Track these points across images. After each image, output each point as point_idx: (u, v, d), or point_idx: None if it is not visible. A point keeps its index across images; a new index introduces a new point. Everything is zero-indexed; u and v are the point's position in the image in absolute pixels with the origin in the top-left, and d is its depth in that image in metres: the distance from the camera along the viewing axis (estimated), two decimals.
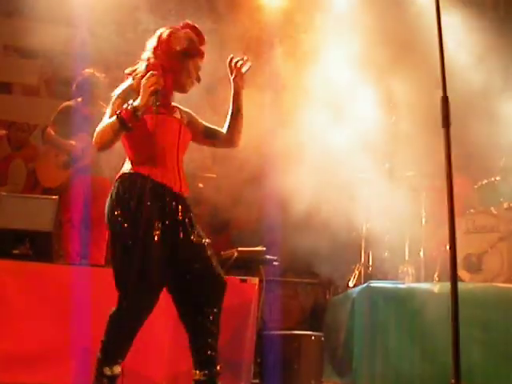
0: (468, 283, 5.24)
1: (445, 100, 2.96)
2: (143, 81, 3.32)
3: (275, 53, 6.88)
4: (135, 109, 3.27)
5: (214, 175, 6.77)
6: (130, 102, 3.31)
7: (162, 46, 3.52)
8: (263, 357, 5.08)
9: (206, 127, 3.82)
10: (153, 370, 4.67)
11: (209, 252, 3.54)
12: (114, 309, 3.37)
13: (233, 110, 3.78)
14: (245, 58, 3.75)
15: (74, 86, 6.18)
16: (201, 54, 3.60)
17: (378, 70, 6.87)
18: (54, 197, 5.32)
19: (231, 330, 4.85)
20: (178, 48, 3.51)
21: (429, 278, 5.79)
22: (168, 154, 3.50)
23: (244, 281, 5.12)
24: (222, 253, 5.59)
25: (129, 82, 3.53)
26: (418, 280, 5.73)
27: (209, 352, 3.47)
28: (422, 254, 5.99)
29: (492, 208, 5.71)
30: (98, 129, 3.41)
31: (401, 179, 6.52)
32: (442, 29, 3.01)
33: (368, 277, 6.40)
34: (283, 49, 6.89)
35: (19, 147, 7.44)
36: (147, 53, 3.56)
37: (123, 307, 3.35)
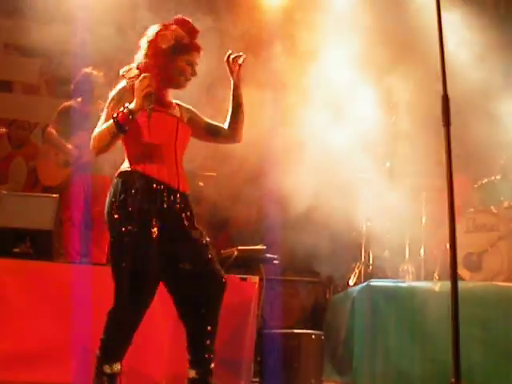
0: (468, 282, 5.24)
1: (445, 99, 2.96)
2: (136, 84, 3.35)
3: (275, 52, 6.88)
4: (131, 112, 3.31)
5: (214, 174, 6.77)
6: (126, 105, 3.34)
7: (150, 46, 3.53)
8: (263, 355, 5.08)
9: (208, 124, 3.83)
10: (152, 369, 4.68)
11: (209, 251, 3.54)
12: (111, 306, 3.39)
13: (233, 105, 3.79)
14: (240, 53, 3.75)
15: (73, 85, 6.18)
16: (193, 49, 3.57)
17: (377, 69, 6.87)
18: (54, 195, 5.33)
19: (231, 329, 4.85)
20: (164, 46, 3.50)
21: (429, 277, 5.79)
22: (165, 151, 3.50)
23: (244, 279, 5.13)
24: (222, 251, 5.59)
25: (123, 83, 3.56)
26: (418, 279, 5.74)
27: (204, 352, 3.48)
28: (422, 252, 6.00)
29: (492, 207, 5.72)
30: (95, 133, 3.45)
31: (401, 178, 6.52)
32: (443, 28, 3.01)
33: (368, 275, 6.40)
34: (283, 48, 6.88)
35: (20, 145, 7.44)
36: (139, 53, 3.58)
37: (120, 305, 3.36)
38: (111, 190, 3.49)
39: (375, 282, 5.37)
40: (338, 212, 6.34)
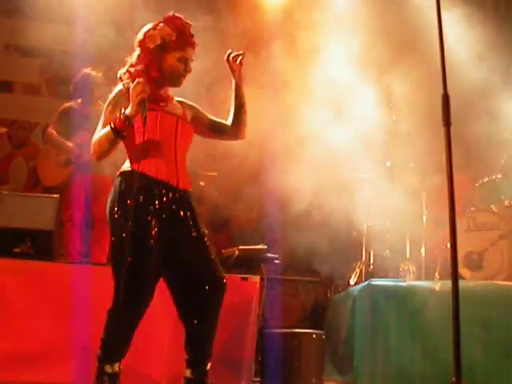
0: (469, 281, 5.24)
1: (445, 98, 2.96)
2: (131, 90, 3.38)
3: (275, 51, 6.88)
4: (127, 118, 3.35)
5: (215, 173, 6.77)
6: (123, 110, 3.37)
7: (140, 47, 3.57)
8: (264, 355, 5.08)
9: (212, 121, 3.84)
10: (152, 369, 4.68)
11: (209, 251, 3.54)
12: (111, 306, 3.40)
13: (236, 105, 3.80)
14: (241, 52, 3.76)
15: (72, 86, 6.18)
16: (183, 45, 3.56)
17: (378, 68, 6.87)
18: (54, 195, 5.33)
19: (232, 328, 4.85)
20: (151, 46, 3.53)
21: (430, 276, 5.79)
22: (164, 149, 3.51)
23: (245, 279, 5.13)
24: (223, 251, 5.60)
25: (119, 86, 3.59)
26: (418, 278, 5.74)
27: (202, 353, 3.51)
28: (422, 252, 6.00)
29: (493, 206, 5.72)
30: (94, 139, 3.49)
31: (401, 178, 6.52)
32: (443, 27, 3.01)
33: (369, 275, 6.40)
34: (283, 47, 6.89)
35: (20, 145, 7.45)
36: (132, 55, 3.61)
37: (118, 304, 3.37)
38: (112, 189, 3.53)
39: (376, 282, 5.37)
40: (339, 211, 6.34)
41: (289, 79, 6.61)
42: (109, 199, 3.50)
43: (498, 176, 6.02)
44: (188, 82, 3.73)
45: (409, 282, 5.51)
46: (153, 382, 4.66)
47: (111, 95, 3.59)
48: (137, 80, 3.40)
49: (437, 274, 5.74)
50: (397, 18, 6.66)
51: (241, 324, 4.99)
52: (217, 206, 7.17)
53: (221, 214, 7.46)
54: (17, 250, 4.90)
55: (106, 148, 3.45)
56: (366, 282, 5.48)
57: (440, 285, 4.93)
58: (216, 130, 3.85)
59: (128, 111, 3.35)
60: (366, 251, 6.68)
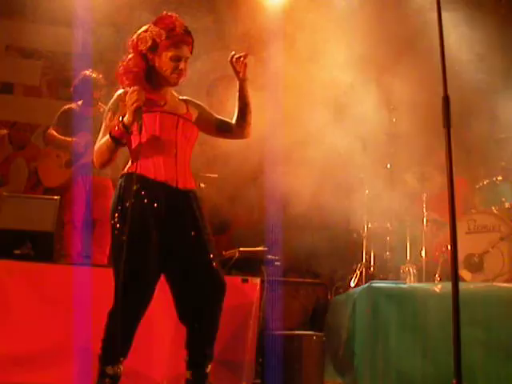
0: (469, 283, 5.23)
1: (446, 100, 2.96)
2: (127, 97, 3.43)
3: (275, 52, 6.88)
4: (124, 126, 3.39)
5: (216, 175, 6.77)
6: (120, 118, 3.41)
7: (133, 50, 3.59)
8: (265, 357, 5.08)
9: (218, 120, 3.87)
10: (154, 370, 4.68)
11: (209, 252, 3.54)
12: (112, 307, 3.40)
13: (240, 104, 3.81)
14: (244, 53, 3.76)
15: (72, 88, 6.18)
16: (174, 44, 3.55)
17: (378, 69, 6.87)
18: (55, 197, 5.34)
19: (233, 330, 4.85)
20: (143, 48, 3.55)
21: (430, 278, 5.78)
22: (165, 150, 3.53)
23: (245, 281, 5.12)
24: (224, 253, 5.60)
25: (119, 92, 3.62)
26: (419, 280, 5.73)
27: (202, 355, 3.52)
28: (423, 253, 5.99)
29: (493, 208, 5.72)
30: (96, 148, 3.54)
31: (402, 180, 6.52)
32: (443, 27, 3.01)
33: (369, 277, 6.40)
34: (283, 48, 6.88)
35: (21, 147, 7.45)
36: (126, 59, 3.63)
37: (118, 305, 3.37)
38: (115, 191, 3.57)
39: (376, 284, 5.36)
40: (339, 213, 6.35)
41: (289, 81, 6.61)
42: (112, 201, 3.53)
43: (499, 178, 6.02)
44: (188, 82, 3.74)
45: (409, 283, 5.51)
46: (154, 382, 4.66)
47: (111, 101, 3.63)
48: (132, 88, 3.44)
49: (437, 275, 5.73)
50: (398, 18, 6.66)
51: (241, 326, 4.99)
52: (217, 208, 7.16)
53: (221, 215, 7.46)
54: (17, 251, 4.91)
55: (108, 156, 3.50)
56: (367, 284, 5.48)
57: (440, 287, 4.92)
58: (221, 130, 3.87)
59: (125, 119, 3.39)
60: (366, 253, 6.68)
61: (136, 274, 3.35)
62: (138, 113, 3.37)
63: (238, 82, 3.79)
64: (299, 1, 7.38)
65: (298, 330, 5.69)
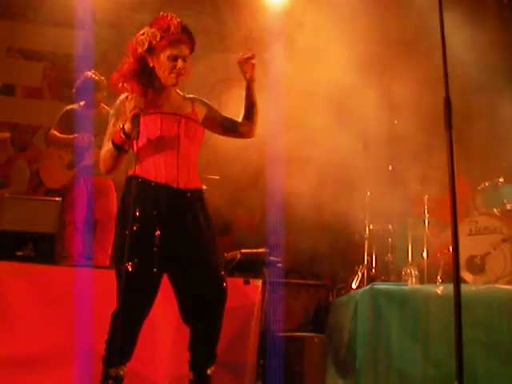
0: (471, 285, 5.23)
1: (447, 102, 2.95)
2: (126, 105, 3.48)
3: (277, 53, 6.88)
4: (125, 134, 3.42)
5: (217, 177, 6.77)
6: (121, 125, 3.45)
7: (132, 54, 3.60)
8: (266, 358, 5.08)
9: (225, 119, 3.88)
10: (155, 371, 4.67)
11: (210, 253, 3.54)
12: (115, 308, 3.42)
13: (247, 104, 3.83)
14: (252, 54, 3.77)
15: (75, 89, 6.18)
16: (170, 43, 3.55)
17: (380, 70, 6.86)
18: (57, 198, 5.34)
19: (235, 332, 4.85)
20: (141, 51, 3.57)
21: (432, 280, 5.78)
22: (166, 151, 3.54)
23: (247, 282, 5.12)
24: (226, 254, 5.59)
25: (122, 96, 3.65)
26: (421, 282, 5.72)
27: (204, 356, 3.53)
28: (425, 255, 5.99)
29: (495, 210, 5.71)
30: (101, 154, 3.59)
31: (404, 181, 6.51)
32: (445, 28, 3.00)
33: (371, 278, 6.40)
34: (285, 49, 6.89)
35: (23, 148, 7.46)
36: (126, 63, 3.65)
37: (121, 306, 3.38)
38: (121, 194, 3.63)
39: (378, 285, 5.36)
40: (341, 215, 6.34)
41: (290, 82, 6.61)
42: (113, 202, 3.59)
43: (501, 179, 6.01)
44: (189, 84, 3.74)
45: (411, 285, 5.50)
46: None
47: (114, 106, 3.66)
48: (130, 95, 3.49)
49: (439, 277, 5.72)
50: (399, 20, 6.66)
51: (243, 327, 4.99)
52: (219, 210, 7.16)
53: (223, 217, 7.46)
54: (19, 253, 4.90)
55: (112, 163, 3.56)
56: (369, 286, 5.47)
57: (442, 289, 4.92)
58: (228, 129, 3.89)
59: (126, 127, 3.42)
60: (368, 255, 6.67)
61: (138, 276, 3.36)
62: (135, 120, 3.40)
63: (245, 82, 3.81)
64: (300, 2, 7.38)
65: (299, 332, 5.70)
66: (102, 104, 6.01)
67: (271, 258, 5.56)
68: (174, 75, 3.58)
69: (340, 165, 6.35)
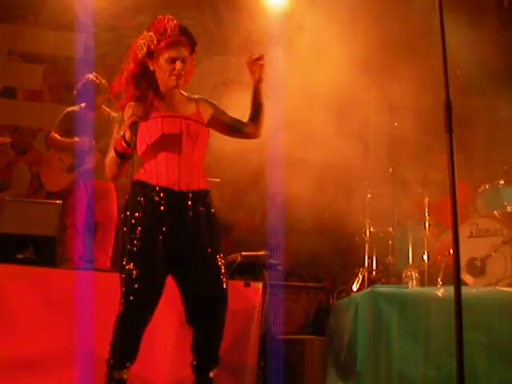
0: (471, 287, 5.23)
1: (447, 105, 2.95)
2: (124, 113, 3.48)
3: (277, 55, 6.89)
4: (126, 142, 3.43)
5: (218, 179, 6.78)
6: (122, 133, 3.47)
7: (132, 59, 3.61)
8: (267, 361, 5.08)
9: (231, 120, 3.87)
10: (156, 373, 4.67)
11: (212, 255, 3.54)
12: (119, 311, 3.42)
13: (254, 105, 3.83)
14: (262, 54, 3.78)
15: (75, 92, 6.18)
16: (167, 46, 3.55)
17: (381, 72, 6.87)
18: (58, 201, 5.34)
19: (235, 334, 4.84)
20: (140, 55, 3.58)
21: (433, 282, 5.78)
22: (168, 154, 3.55)
23: (248, 285, 5.12)
24: (226, 257, 5.59)
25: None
26: (421, 284, 5.72)
27: (206, 359, 3.53)
28: (425, 258, 5.99)
29: (495, 212, 5.71)
30: (106, 161, 3.62)
31: (404, 183, 6.52)
32: (445, 30, 3.00)
33: (372, 281, 6.40)
34: (285, 51, 6.89)
35: (23, 151, 7.46)
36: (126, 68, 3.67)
37: (125, 310, 3.39)
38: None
39: (379, 288, 5.35)
40: (342, 217, 6.34)
41: (291, 84, 6.62)
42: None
43: (501, 182, 6.01)
44: (190, 86, 3.75)
45: (411, 288, 5.50)
46: None
47: (119, 114, 3.67)
48: (128, 103, 3.49)
49: (439, 280, 5.72)
50: (399, 22, 6.67)
51: (243, 330, 4.99)
52: (219, 212, 7.16)
53: (223, 219, 7.45)
54: (20, 256, 4.91)
55: (116, 170, 3.58)
56: (369, 288, 5.47)
57: (443, 291, 4.91)
58: (234, 130, 3.88)
59: (126, 135, 3.44)
60: (368, 257, 6.67)
61: (142, 279, 3.37)
62: (133, 128, 3.41)
63: (252, 83, 3.81)
64: (300, 4, 7.39)
65: (299, 334, 5.70)
66: (103, 106, 6.01)
67: (271, 261, 5.56)
68: (173, 77, 3.58)
69: (340, 167, 6.36)
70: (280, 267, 5.66)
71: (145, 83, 3.60)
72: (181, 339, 4.48)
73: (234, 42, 7.71)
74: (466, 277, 5.42)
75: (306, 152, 6.76)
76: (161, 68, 3.58)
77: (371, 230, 6.70)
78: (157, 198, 3.49)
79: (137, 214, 3.46)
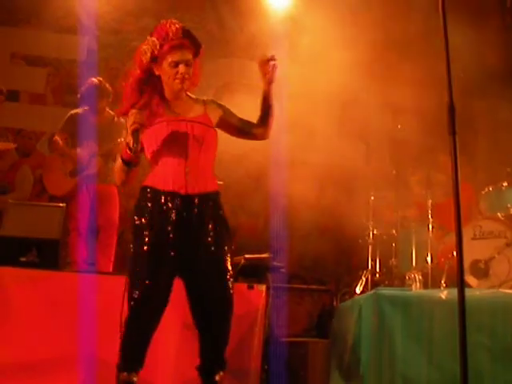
0: (475, 289, 5.22)
1: (451, 107, 2.94)
2: (127, 121, 3.49)
3: (279, 58, 6.89)
4: (130, 149, 3.43)
5: (221, 182, 6.78)
6: (126, 141, 3.47)
7: (138, 65, 3.62)
8: (270, 363, 5.07)
9: (240, 122, 3.86)
10: (160, 377, 4.67)
11: (218, 257, 3.54)
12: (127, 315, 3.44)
13: (264, 106, 3.81)
14: (274, 55, 3.76)
15: (79, 95, 6.18)
16: (170, 50, 3.55)
17: (384, 74, 6.87)
18: (61, 204, 5.34)
19: (238, 337, 4.84)
20: (144, 61, 3.59)
21: (436, 285, 5.77)
22: (174, 158, 3.54)
23: (251, 288, 5.12)
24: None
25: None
26: (425, 286, 5.72)
27: (211, 361, 3.53)
28: (429, 260, 5.98)
29: (499, 214, 5.70)
30: (115, 167, 3.63)
31: (408, 185, 6.51)
32: (448, 32, 3.00)
33: (375, 283, 6.39)
34: (287, 53, 6.89)
35: (26, 154, 7.46)
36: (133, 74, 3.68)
37: (131, 313, 3.40)
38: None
39: (382, 290, 5.35)
40: (345, 220, 6.34)
41: (293, 86, 6.62)
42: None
43: (504, 184, 6.00)
44: (191, 89, 3.75)
45: (415, 290, 5.49)
46: None
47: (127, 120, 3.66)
48: (130, 111, 3.49)
49: (443, 282, 5.71)
50: (402, 23, 6.67)
51: (247, 332, 4.98)
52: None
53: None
54: (23, 258, 4.91)
55: (124, 177, 3.58)
56: (373, 291, 5.47)
57: (446, 293, 4.91)
58: (242, 131, 3.87)
59: (130, 142, 3.44)
60: (372, 259, 6.67)
61: (149, 284, 3.39)
62: (135, 135, 3.41)
63: (263, 83, 3.78)
64: (302, 7, 7.40)
65: (303, 337, 5.69)
66: (107, 109, 6.01)
67: (275, 263, 5.56)
68: (177, 81, 3.58)
69: (344, 169, 6.36)
70: (283, 270, 5.65)
71: (150, 88, 3.61)
72: (184, 342, 4.48)
73: (237, 44, 7.71)
74: (469, 279, 5.42)
75: (309, 154, 6.75)
76: (165, 72, 3.58)
77: (374, 232, 6.69)
78: (163, 203, 3.49)
79: (144, 219, 3.48)
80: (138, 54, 3.61)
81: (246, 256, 5.47)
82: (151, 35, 3.60)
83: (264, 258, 5.53)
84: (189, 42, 3.60)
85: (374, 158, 7.16)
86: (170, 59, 3.55)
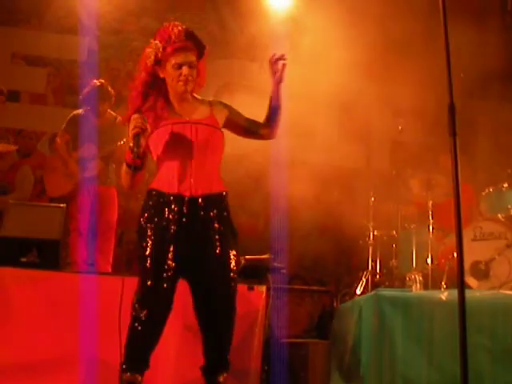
0: (475, 290, 5.22)
1: (451, 108, 2.94)
2: (129, 125, 3.48)
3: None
4: (134, 153, 3.41)
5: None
6: (130, 145, 3.46)
7: (142, 68, 3.63)
8: (270, 364, 5.07)
9: (247, 122, 3.86)
10: (162, 378, 4.67)
11: (221, 257, 3.54)
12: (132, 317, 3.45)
13: (273, 105, 3.80)
14: (284, 54, 3.77)
15: (81, 97, 6.17)
16: (173, 52, 3.56)
17: (384, 74, 6.87)
18: (61, 205, 5.34)
19: (239, 338, 4.82)
20: (149, 64, 3.59)
21: (436, 286, 5.77)
22: (179, 160, 3.55)
23: (251, 289, 5.12)
24: None
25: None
26: (425, 287, 5.72)
27: (214, 362, 3.55)
28: (429, 261, 5.98)
29: (499, 215, 5.70)
30: (122, 171, 3.61)
31: (408, 186, 6.51)
32: (449, 33, 3.00)
33: (375, 284, 6.39)
34: (288, 54, 6.90)
35: (27, 154, 7.47)
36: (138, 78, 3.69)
37: (136, 314, 3.41)
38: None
39: (382, 291, 5.35)
40: (345, 220, 6.33)
41: (294, 87, 6.62)
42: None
43: (505, 185, 6.00)
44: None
45: (415, 291, 5.49)
46: None
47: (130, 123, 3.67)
48: (132, 116, 3.49)
49: (443, 283, 5.71)
50: (403, 23, 6.66)
51: (247, 333, 4.98)
52: None
53: None
54: (24, 259, 4.91)
55: (129, 180, 3.55)
56: (373, 292, 5.47)
57: (447, 294, 4.91)
58: (249, 131, 3.86)
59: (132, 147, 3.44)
60: (372, 260, 6.67)
61: (157, 288, 3.41)
62: (136, 139, 3.41)
63: (272, 82, 3.78)
64: (303, 8, 7.40)
65: (303, 338, 5.69)
66: (109, 111, 6.02)
67: (275, 264, 5.55)
68: (181, 83, 3.58)
69: (344, 170, 6.36)
70: (284, 271, 5.65)
71: (155, 91, 3.61)
72: (184, 343, 4.48)
73: (237, 45, 7.71)
74: (470, 280, 5.41)
75: (309, 154, 6.75)
76: (169, 75, 3.59)
77: (375, 233, 6.70)
78: (168, 205, 3.49)
79: (149, 222, 3.49)
80: (142, 57, 3.63)
81: (247, 257, 5.47)
82: (154, 38, 3.60)
83: (264, 258, 5.52)
84: (192, 43, 3.60)
85: (374, 159, 7.17)
86: (173, 61, 3.55)
